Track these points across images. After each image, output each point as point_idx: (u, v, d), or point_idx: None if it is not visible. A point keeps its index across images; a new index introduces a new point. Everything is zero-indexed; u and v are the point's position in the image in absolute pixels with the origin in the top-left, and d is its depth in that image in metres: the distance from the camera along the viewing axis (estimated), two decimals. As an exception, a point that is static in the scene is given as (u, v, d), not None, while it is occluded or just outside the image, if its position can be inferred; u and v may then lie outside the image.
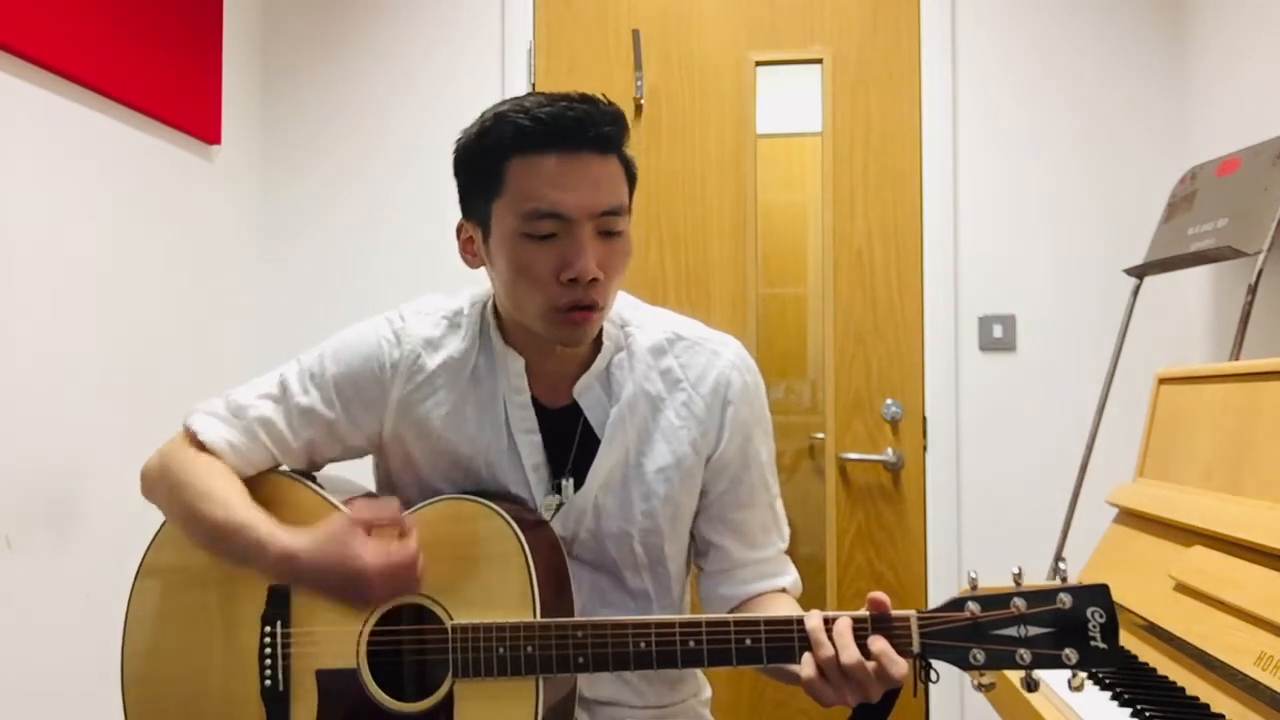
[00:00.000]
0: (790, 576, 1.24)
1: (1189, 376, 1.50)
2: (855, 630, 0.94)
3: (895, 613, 0.95)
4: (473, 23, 2.64)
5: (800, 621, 0.96)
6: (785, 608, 1.18)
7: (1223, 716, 1.09)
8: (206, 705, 1.12)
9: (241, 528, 1.06)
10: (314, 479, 1.19)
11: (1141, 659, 1.28)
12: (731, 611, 1.20)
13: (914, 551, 2.49)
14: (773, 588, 1.21)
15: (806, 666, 0.94)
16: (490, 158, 1.07)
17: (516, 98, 1.09)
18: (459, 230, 1.15)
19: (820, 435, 2.53)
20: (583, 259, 1.04)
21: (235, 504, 1.08)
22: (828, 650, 0.93)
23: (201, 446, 1.14)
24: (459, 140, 1.12)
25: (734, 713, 2.49)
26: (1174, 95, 2.43)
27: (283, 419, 1.15)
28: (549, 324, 1.08)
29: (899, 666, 0.92)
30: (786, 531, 1.26)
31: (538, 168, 1.04)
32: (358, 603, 1.05)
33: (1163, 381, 1.57)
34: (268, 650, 1.10)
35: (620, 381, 1.16)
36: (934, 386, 2.48)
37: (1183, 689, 1.18)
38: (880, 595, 0.96)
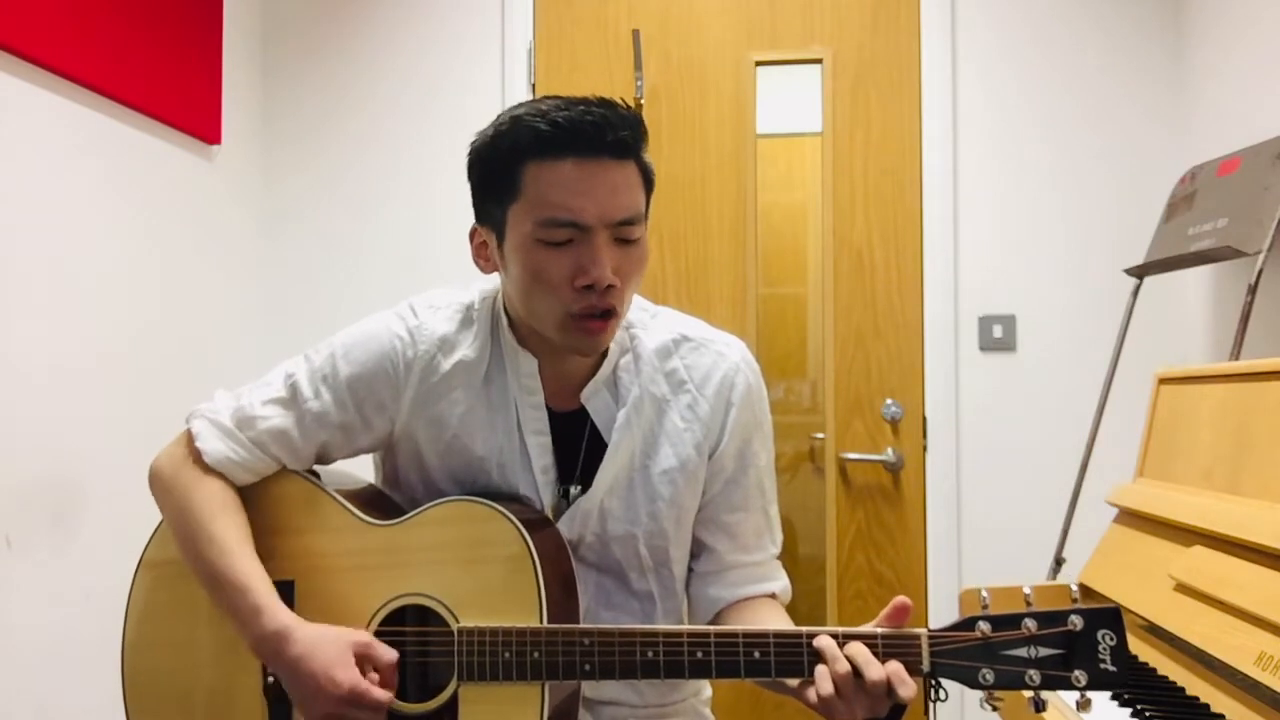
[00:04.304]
0: (780, 582, 1.23)
1: (1189, 376, 1.50)
2: (867, 647, 0.95)
3: (906, 630, 0.95)
4: (473, 23, 2.64)
5: (810, 636, 0.97)
6: (774, 615, 1.18)
7: (1223, 716, 1.09)
8: (207, 700, 1.12)
9: (244, 589, 1.05)
10: (316, 474, 1.18)
11: (1141, 659, 1.28)
12: (719, 614, 1.20)
13: (914, 551, 2.49)
14: (762, 592, 1.21)
15: (823, 681, 0.94)
16: (506, 162, 1.06)
17: (533, 101, 1.08)
18: (472, 235, 1.14)
19: (820, 435, 2.53)
20: (599, 266, 1.03)
21: (241, 557, 1.07)
22: (844, 666, 0.93)
23: (207, 466, 1.12)
24: (473, 144, 1.11)
25: (734, 712, 2.49)
26: (1174, 96, 2.43)
27: (294, 426, 1.14)
28: (563, 331, 1.08)
29: (908, 688, 0.92)
30: (780, 537, 1.25)
31: (555, 173, 1.03)
32: (308, 710, 1.02)
33: (1163, 381, 1.57)
34: (270, 648, 1.10)
35: (626, 385, 1.16)
36: (934, 386, 2.48)
37: (1183, 689, 1.18)
38: (904, 600, 0.96)
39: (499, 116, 1.09)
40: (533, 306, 1.09)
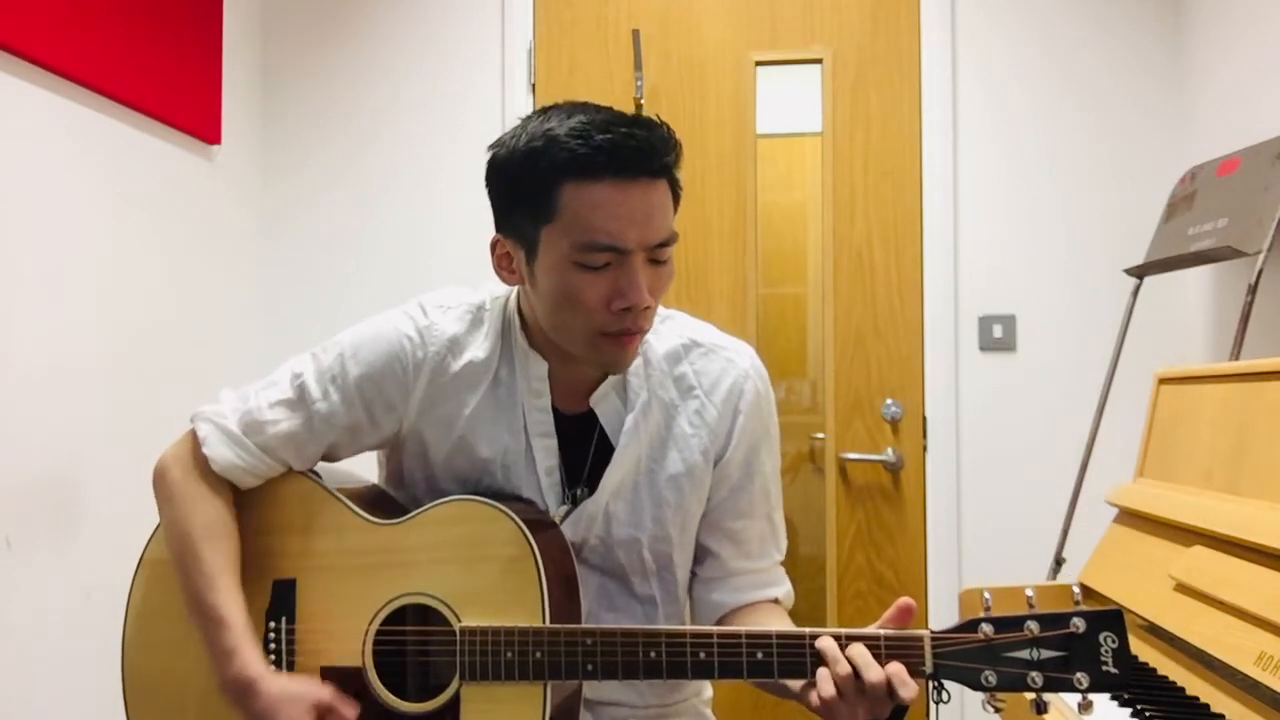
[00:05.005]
0: (784, 587, 1.23)
1: (1189, 376, 1.50)
2: (870, 648, 0.95)
3: (909, 632, 0.95)
4: (473, 23, 2.64)
5: (813, 637, 0.97)
6: (777, 619, 1.18)
7: (1223, 716, 1.09)
8: (206, 699, 1.12)
9: (221, 624, 1.06)
10: (318, 474, 1.18)
11: (1142, 659, 1.28)
12: (722, 619, 1.20)
13: (914, 551, 2.49)
14: (765, 597, 1.21)
15: (824, 684, 0.94)
16: (541, 181, 1.02)
17: (563, 112, 1.04)
18: (494, 246, 1.12)
19: (820, 435, 2.54)
20: (637, 291, 1.03)
21: (224, 589, 1.08)
22: (845, 668, 0.93)
23: (213, 473, 1.12)
24: (497, 153, 1.08)
25: (735, 712, 2.49)
26: (1174, 96, 2.44)
27: (303, 428, 1.13)
28: (593, 348, 1.07)
29: (909, 689, 0.92)
30: (784, 544, 1.25)
31: (593, 195, 1.01)
32: None
33: (1163, 381, 1.57)
34: (272, 646, 1.11)
35: (636, 389, 1.16)
36: (934, 386, 2.48)
37: (1183, 689, 1.18)
38: (908, 601, 0.97)
39: (528, 128, 1.05)
40: (562, 323, 1.08)
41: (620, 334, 1.06)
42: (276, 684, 1.04)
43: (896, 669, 0.93)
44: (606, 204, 1.01)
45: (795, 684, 1.00)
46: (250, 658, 1.05)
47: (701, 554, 1.22)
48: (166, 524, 1.14)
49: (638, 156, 1.01)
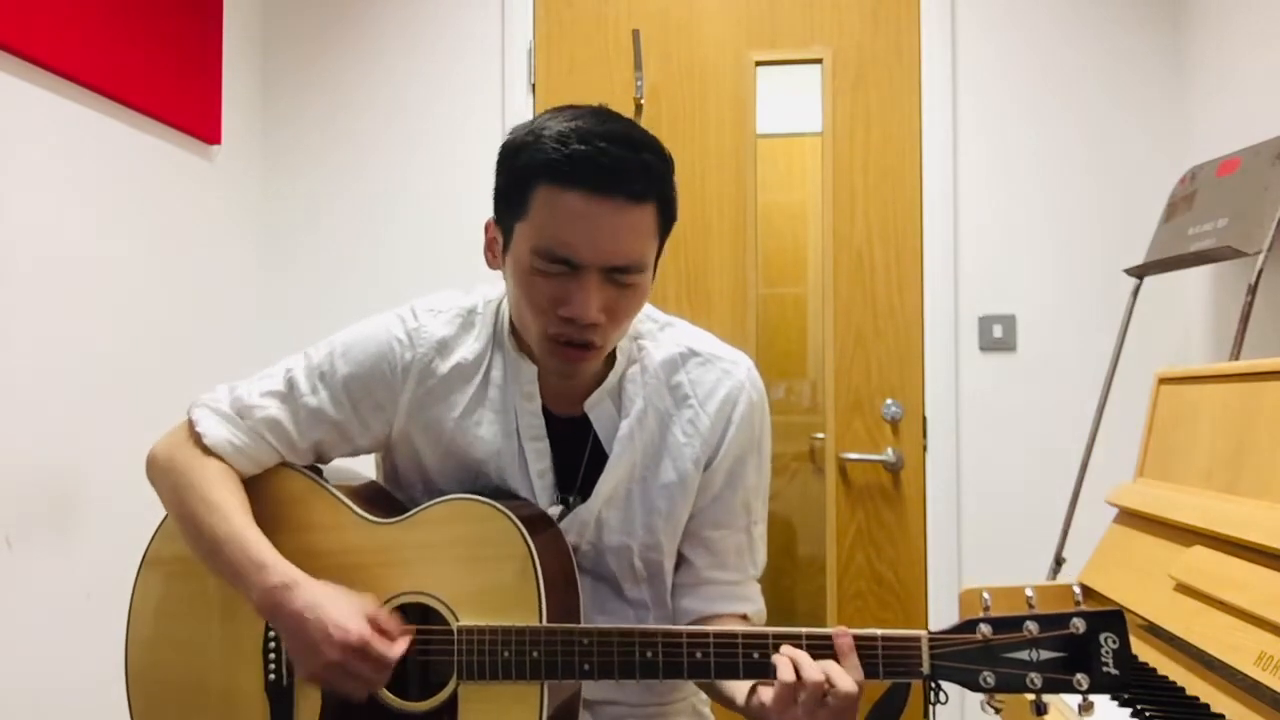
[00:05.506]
0: (754, 604, 1.23)
1: (1189, 376, 1.50)
2: (867, 648, 0.95)
3: (906, 633, 0.95)
4: (473, 23, 2.64)
5: (810, 636, 0.97)
6: None
7: (1223, 716, 1.09)
8: (210, 697, 1.13)
9: (245, 544, 1.05)
10: (319, 471, 1.19)
11: (1142, 659, 1.28)
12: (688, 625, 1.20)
13: (914, 551, 2.49)
14: (734, 611, 1.20)
15: (784, 669, 0.94)
16: (520, 176, 1.03)
17: (569, 114, 1.04)
18: (487, 228, 1.12)
19: (820, 435, 2.53)
20: (582, 305, 1.02)
21: (238, 519, 1.07)
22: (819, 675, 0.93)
23: (206, 448, 1.13)
24: (505, 141, 1.08)
25: (734, 710, 2.49)
26: (1174, 95, 2.43)
27: (290, 420, 1.14)
28: (543, 350, 1.08)
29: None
30: (762, 560, 1.25)
31: (562, 203, 1.00)
32: (308, 663, 1.01)
33: (1163, 381, 1.57)
34: (272, 644, 1.11)
35: (631, 396, 1.16)
36: (934, 386, 2.48)
37: (1183, 689, 1.18)
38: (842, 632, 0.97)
39: (534, 123, 1.05)
40: (520, 318, 1.09)
41: (565, 343, 1.05)
42: (321, 584, 1.03)
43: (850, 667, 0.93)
44: (570, 215, 1.00)
45: (739, 691, 1.03)
46: (286, 564, 1.04)
47: (677, 560, 1.21)
48: (167, 492, 1.13)
49: (602, 174, 0.99)
